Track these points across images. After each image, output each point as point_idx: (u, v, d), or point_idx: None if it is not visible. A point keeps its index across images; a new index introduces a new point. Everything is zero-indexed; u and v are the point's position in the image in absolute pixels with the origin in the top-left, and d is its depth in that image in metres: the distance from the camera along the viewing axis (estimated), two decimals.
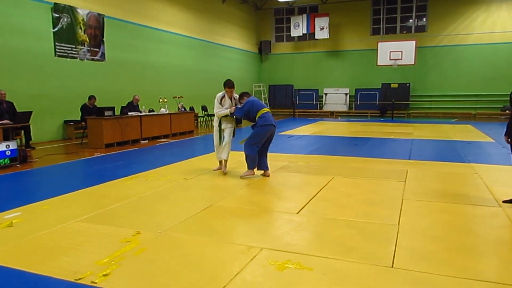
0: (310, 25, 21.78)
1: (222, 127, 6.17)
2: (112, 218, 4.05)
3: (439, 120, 18.36)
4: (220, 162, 6.37)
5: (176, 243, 3.40)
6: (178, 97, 13.29)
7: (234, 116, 6.10)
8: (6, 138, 7.08)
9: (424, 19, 21.01)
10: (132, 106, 10.97)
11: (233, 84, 6.15)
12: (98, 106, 9.99)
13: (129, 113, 10.23)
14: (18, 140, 8.32)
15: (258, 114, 5.84)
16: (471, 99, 19.88)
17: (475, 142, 10.21)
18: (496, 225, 3.87)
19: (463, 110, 19.99)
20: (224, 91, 6.10)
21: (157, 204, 4.61)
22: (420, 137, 11.32)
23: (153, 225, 3.83)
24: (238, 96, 6.19)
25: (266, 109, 5.95)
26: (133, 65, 13.49)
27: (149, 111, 11.54)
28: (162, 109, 11.77)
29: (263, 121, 5.81)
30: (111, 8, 12.47)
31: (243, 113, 5.93)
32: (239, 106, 6.07)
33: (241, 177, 5.90)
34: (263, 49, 23.71)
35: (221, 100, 6.11)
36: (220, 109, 6.08)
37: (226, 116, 6.12)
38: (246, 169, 5.99)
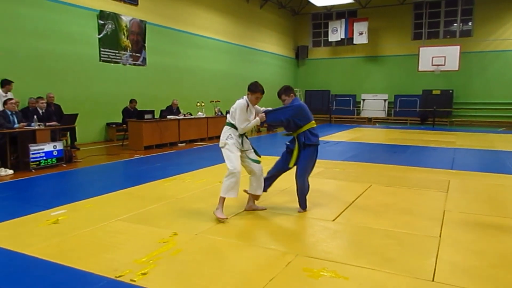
0: (349, 30, 21.49)
1: (244, 147, 4.36)
2: (151, 219, 4.16)
3: (484, 129, 17.51)
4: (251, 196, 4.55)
5: (212, 245, 3.44)
6: (215, 101, 13.49)
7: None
8: (53, 139, 7.45)
9: (470, 23, 20.17)
10: (171, 110, 11.25)
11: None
12: (138, 109, 10.32)
13: (168, 117, 10.49)
14: (64, 141, 8.74)
15: (309, 126, 4.32)
16: None
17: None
18: None
19: (510, 119, 18.98)
20: (245, 99, 4.32)
21: (193, 206, 4.69)
22: (463, 146, 10.85)
23: (189, 227, 3.89)
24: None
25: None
26: (172, 69, 13.86)
27: (187, 115, 11.79)
28: (199, 113, 11.99)
29: (317, 140, 4.37)
30: (153, 15, 12.89)
31: (287, 118, 4.26)
32: (269, 108, 4.49)
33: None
34: (300, 54, 23.64)
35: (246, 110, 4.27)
36: (246, 122, 4.23)
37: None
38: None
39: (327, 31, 22.28)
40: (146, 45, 12.55)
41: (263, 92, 4.45)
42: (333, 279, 2.83)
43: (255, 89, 4.35)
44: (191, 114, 12.06)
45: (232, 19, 17.39)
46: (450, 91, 19.94)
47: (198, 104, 12.21)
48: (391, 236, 3.69)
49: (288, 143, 4.55)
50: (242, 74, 18.25)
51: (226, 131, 4.37)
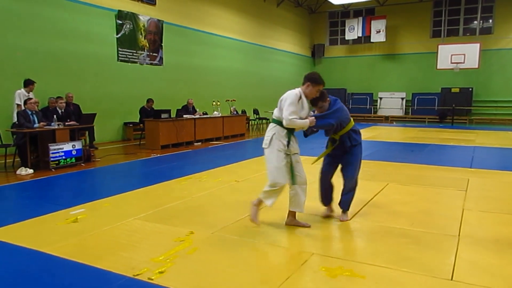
0: (366, 28, 21.28)
1: (291, 150, 3.72)
2: (167, 217, 4.21)
3: (505, 127, 17.08)
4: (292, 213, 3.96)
5: (228, 244, 3.45)
6: (231, 101, 13.54)
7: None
8: (72, 139, 7.59)
9: (490, 20, 19.71)
10: (187, 109, 11.34)
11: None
12: (155, 108, 10.44)
13: (184, 116, 10.58)
14: (83, 140, 8.91)
15: (350, 126, 4.02)
16: None
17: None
18: None
19: None
20: (299, 90, 3.69)
21: (209, 205, 4.72)
22: (483, 144, 10.61)
23: (205, 225, 3.92)
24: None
25: None
26: (189, 69, 13.97)
27: (203, 114, 11.86)
28: (215, 112, 12.05)
29: (360, 138, 4.13)
30: (170, 15, 13.01)
31: (336, 121, 3.88)
32: (315, 112, 4.00)
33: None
34: (316, 52, 23.51)
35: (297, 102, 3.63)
36: (295, 116, 3.57)
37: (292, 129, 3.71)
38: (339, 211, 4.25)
39: (344, 30, 22.10)
40: (163, 44, 12.68)
41: (324, 85, 3.82)
42: (350, 278, 2.81)
43: (318, 80, 3.67)
44: (207, 113, 12.13)
45: (249, 18, 17.42)
46: (470, 89, 19.53)
47: (214, 103, 12.28)
48: (408, 235, 3.64)
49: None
50: (258, 73, 18.26)
51: (270, 129, 3.71)
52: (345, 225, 3.99)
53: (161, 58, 12.70)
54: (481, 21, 20.00)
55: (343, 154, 4.09)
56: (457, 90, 19.70)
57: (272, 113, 3.87)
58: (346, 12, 22.69)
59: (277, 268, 2.98)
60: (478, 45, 17.90)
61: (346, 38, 22.09)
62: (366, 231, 3.85)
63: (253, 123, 15.89)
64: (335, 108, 3.90)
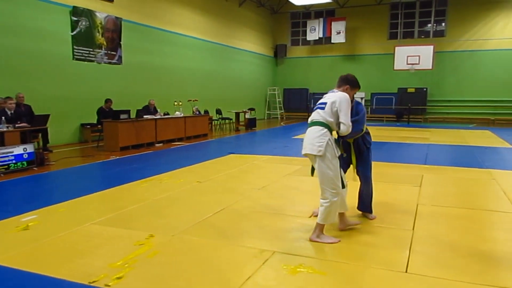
0: (327, 29, 21.70)
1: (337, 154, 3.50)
2: (127, 221, 4.09)
3: (456, 125, 18.01)
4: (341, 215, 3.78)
5: (189, 246, 3.41)
6: (193, 100, 13.40)
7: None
8: (23, 141, 7.22)
9: (443, 23, 20.69)
10: (148, 109, 11.10)
11: None
12: (114, 109, 10.14)
13: (145, 116, 10.35)
14: (36, 143, 8.49)
15: (365, 128, 4.00)
16: (490, 104, 19.46)
17: (493, 148, 9.99)
18: None
19: (481, 115, 19.59)
20: (347, 90, 3.57)
21: (170, 207, 4.64)
22: (437, 142, 11.12)
23: (166, 228, 3.85)
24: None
25: None
26: (149, 68, 13.68)
27: (164, 114, 11.66)
28: (177, 112, 11.88)
29: (371, 138, 4.11)
30: (129, 12, 12.68)
31: (364, 125, 3.94)
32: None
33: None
34: (278, 52, 23.73)
35: None
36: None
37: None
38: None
39: (306, 30, 22.43)
40: (122, 43, 12.34)
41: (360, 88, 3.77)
42: (310, 275, 2.86)
43: (357, 84, 3.64)
44: (168, 114, 11.94)
45: (211, 17, 17.30)
46: (424, 89, 20.42)
47: (176, 103, 12.09)
48: (366, 231, 3.75)
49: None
50: (221, 73, 18.19)
51: (321, 134, 3.32)
52: (306, 223, 4.05)
53: (120, 57, 12.35)
54: (435, 24, 20.95)
55: (358, 156, 4.02)
56: (413, 90, 20.54)
57: (314, 115, 3.50)
58: (308, 13, 23.07)
59: (239, 268, 2.98)
60: (432, 47, 18.74)
61: (308, 38, 22.45)
62: (327, 228, 3.91)
63: (216, 123, 15.81)
64: (363, 113, 3.84)
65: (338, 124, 3.38)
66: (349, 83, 3.57)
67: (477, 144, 10.66)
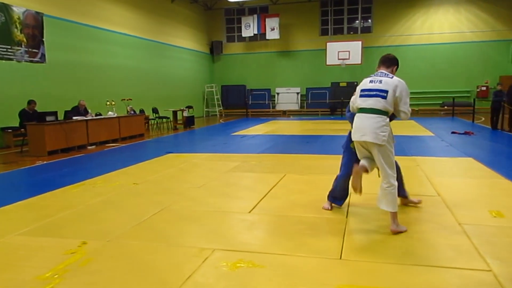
0: (261, 26, 21.97)
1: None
2: (56, 229, 3.84)
3: None
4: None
5: (125, 251, 3.28)
6: (127, 100, 12.89)
7: None
8: None
9: (370, 20, 21.89)
10: (78, 110, 10.49)
11: None
12: (38, 111, 9.44)
13: (74, 118, 9.77)
14: None
15: None
16: (414, 96, 20.97)
17: (417, 136, 10.78)
18: (436, 212, 4.11)
19: None
20: (395, 70, 3.64)
21: (105, 211, 4.43)
22: None
23: (100, 234, 3.67)
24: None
25: None
26: (78, 67, 12.90)
27: (96, 115, 11.09)
28: (109, 113, 11.35)
29: None
30: (51, 7, 11.84)
31: None
32: None
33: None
34: (214, 49, 23.59)
35: None
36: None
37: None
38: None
39: (241, 27, 22.53)
40: (44, 40, 11.50)
41: None
42: (250, 269, 2.89)
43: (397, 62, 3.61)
44: (101, 114, 11.38)
45: (142, 13, 16.72)
46: (355, 83, 21.41)
47: (108, 103, 11.55)
48: (304, 222, 3.87)
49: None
50: (156, 71, 17.68)
51: (385, 124, 3.33)
52: (245, 218, 4.08)
53: (43, 55, 11.51)
54: (362, 21, 22.11)
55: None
56: (345, 84, 21.52)
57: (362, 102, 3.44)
58: (242, 9, 23.17)
59: (178, 269, 2.93)
60: (360, 42, 19.75)
61: (243, 35, 22.58)
62: (266, 221, 3.99)
63: (153, 123, 15.36)
64: None
65: (398, 111, 3.40)
66: (397, 64, 3.59)
67: (403, 133, 11.43)
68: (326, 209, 4.18)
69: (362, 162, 3.57)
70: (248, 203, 4.57)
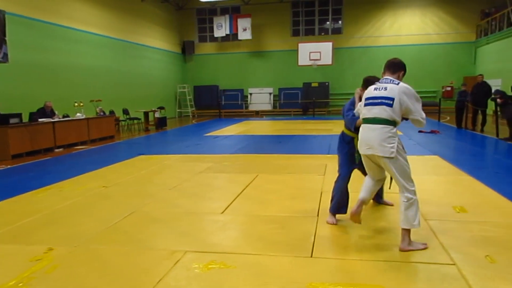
0: (233, 26, 21.94)
1: None
2: (20, 236, 3.71)
3: None
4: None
5: (94, 256, 3.21)
6: (96, 101, 12.58)
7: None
8: None
9: (340, 22, 22.28)
10: (44, 112, 10.14)
11: None
12: (1, 113, 9.05)
13: (40, 120, 9.44)
14: None
15: None
16: None
17: None
18: None
19: None
20: (402, 76, 3.32)
21: (72, 216, 4.31)
22: (338, 133, 11.90)
23: (68, 239, 3.57)
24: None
25: None
26: (43, 67, 12.46)
27: (63, 117, 10.76)
28: (78, 114, 11.04)
29: None
30: (14, 4, 11.37)
31: None
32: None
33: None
34: (186, 49, 23.35)
35: None
36: None
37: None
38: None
39: (213, 27, 22.41)
40: (7, 39, 11.03)
41: None
42: (222, 270, 2.88)
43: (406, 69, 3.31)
44: (69, 116, 11.05)
45: (112, 12, 16.34)
46: (327, 84, 21.82)
47: (77, 104, 11.23)
48: (276, 221, 3.90)
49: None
50: (126, 71, 17.32)
51: (391, 134, 3.06)
52: (218, 219, 4.07)
53: (6, 55, 11.03)
54: (333, 22, 22.48)
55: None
56: (316, 84, 21.82)
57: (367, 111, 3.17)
58: (214, 9, 23.06)
59: (149, 272, 2.89)
60: (331, 43, 20.06)
61: (215, 35, 22.47)
62: (238, 222, 4.00)
63: (123, 124, 15.05)
64: None
65: (412, 120, 3.14)
66: (404, 69, 3.27)
67: None
68: (331, 224, 3.77)
69: (363, 194, 3.34)
70: (220, 203, 4.56)
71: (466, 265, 2.85)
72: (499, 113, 10.23)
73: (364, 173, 3.64)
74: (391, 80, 3.14)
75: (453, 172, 6.02)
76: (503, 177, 5.71)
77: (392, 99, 3.03)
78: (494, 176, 5.74)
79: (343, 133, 3.96)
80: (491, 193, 4.78)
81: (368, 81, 3.49)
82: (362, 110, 3.27)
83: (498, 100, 9.71)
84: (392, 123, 3.06)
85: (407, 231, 3.13)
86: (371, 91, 3.20)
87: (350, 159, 3.79)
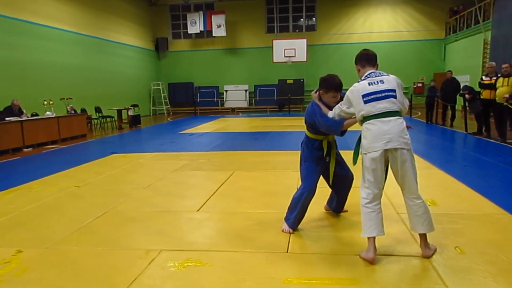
0: (207, 22, 21.76)
1: None
2: None
3: None
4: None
5: (66, 257, 3.12)
6: (67, 99, 12.23)
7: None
8: None
9: (314, 18, 22.47)
10: (11, 111, 9.77)
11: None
12: None
13: (7, 119, 9.10)
14: None
15: None
16: None
17: (359, 131, 11.21)
18: None
19: None
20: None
21: (43, 217, 4.18)
22: None
23: (37, 241, 3.46)
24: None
25: None
26: (9, 64, 11.98)
27: (32, 115, 10.41)
28: (47, 113, 10.70)
29: None
30: None
31: None
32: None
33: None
34: (160, 46, 22.99)
35: None
36: None
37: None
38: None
39: (186, 23, 22.16)
40: None
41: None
42: (198, 268, 2.87)
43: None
44: (38, 115, 10.69)
45: (83, 8, 15.88)
46: (302, 80, 21.98)
47: (46, 102, 10.88)
48: (252, 218, 3.91)
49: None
50: (98, 68, 16.90)
51: (401, 123, 2.94)
52: (194, 217, 4.04)
53: None
54: (307, 19, 22.65)
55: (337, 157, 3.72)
56: (292, 81, 21.96)
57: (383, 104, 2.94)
58: (187, 5, 22.79)
59: (123, 272, 2.83)
60: (305, 40, 20.22)
61: (189, 32, 22.23)
62: (214, 219, 3.98)
63: (96, 122, 14.70)
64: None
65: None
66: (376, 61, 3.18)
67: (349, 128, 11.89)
68: (287, 232, 3.46)
69: (377, 228, 2.93)
70: (196, 201, 4.53)
71: (437, 257, 2.93)
72: (467, 108, 10.59)
73: (329, 183, 3.55)
74: (380, 73, 3.03)
75: (424, 166, 6.18)
76: (471, 170, 5.92)
77: (394, 91, 2.95)
78: (463, 169, 5.95)
79: (308, 138, 3.64)
80: (460, 186, 4.94)
81: (326, 81, 3.39)
82: (364, 108, 2.97)
83: (467, 95, 10.04)
84: (401, 114, 2.98)
85: (425, 235, 2.97)
86: (366, 87, 2.97)
87: (319, 166, 3.48)
